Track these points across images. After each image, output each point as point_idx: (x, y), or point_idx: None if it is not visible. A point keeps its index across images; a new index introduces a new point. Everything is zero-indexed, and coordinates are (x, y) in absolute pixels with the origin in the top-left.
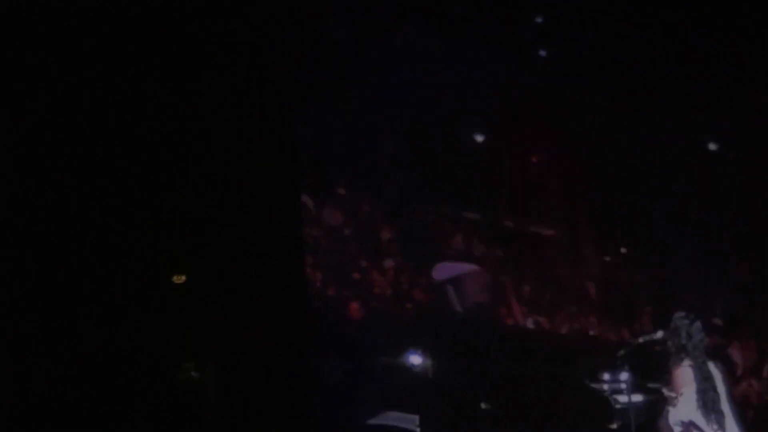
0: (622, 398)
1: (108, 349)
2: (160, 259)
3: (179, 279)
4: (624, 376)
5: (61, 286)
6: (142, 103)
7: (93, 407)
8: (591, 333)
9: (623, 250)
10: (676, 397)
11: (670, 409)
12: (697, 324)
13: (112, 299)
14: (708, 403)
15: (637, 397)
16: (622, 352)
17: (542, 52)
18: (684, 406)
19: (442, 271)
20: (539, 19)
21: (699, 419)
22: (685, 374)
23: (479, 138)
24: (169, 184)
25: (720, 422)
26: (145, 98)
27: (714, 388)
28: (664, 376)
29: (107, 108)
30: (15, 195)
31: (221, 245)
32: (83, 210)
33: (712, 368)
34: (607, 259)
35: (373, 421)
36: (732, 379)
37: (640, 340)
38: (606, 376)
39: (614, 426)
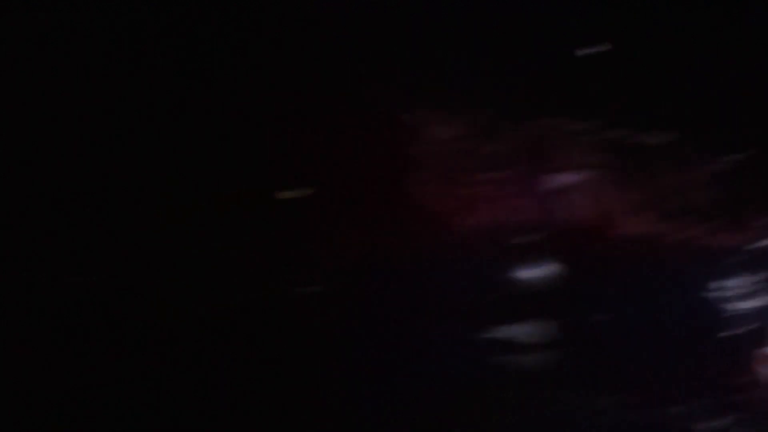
0: (744, 304)
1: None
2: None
3: (288, 194)
4: (744, 281)
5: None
6: None
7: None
8: (709, 239)
9: (736, 155)
10: None
11: None
12: None
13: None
14: None
15: (759, 302)
16: (742, 257)
17: None
18: None
19: (549, 182)
20: None
21: None
22: None
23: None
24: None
25: None
26: None
27: None
28: None
29: None
30: None
31: (332, 161)
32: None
33: None
34: (722, 163)
35: (490, 335)
36: None
37: (760, 243)
38: (728, 283)
39: (739, 332)
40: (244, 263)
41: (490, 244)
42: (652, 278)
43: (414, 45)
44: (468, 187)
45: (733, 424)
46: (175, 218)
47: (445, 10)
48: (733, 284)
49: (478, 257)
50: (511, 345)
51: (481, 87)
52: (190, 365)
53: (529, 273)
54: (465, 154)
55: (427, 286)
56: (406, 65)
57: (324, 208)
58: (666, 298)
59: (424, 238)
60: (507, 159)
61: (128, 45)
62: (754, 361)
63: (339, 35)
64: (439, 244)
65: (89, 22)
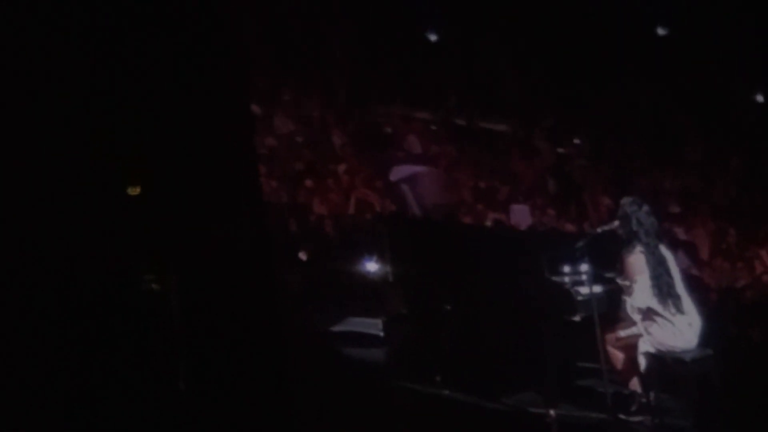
0: (584, 290)
1: (65, 265)
2: (114, 171)
3: (134, 191)
4: (584, 267)
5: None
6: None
7: (52, 323)
8: (549, 226)
9: (577, 140)
10: (630, 285)
11: (627, 297)
12: (646, 208)
13: (67, 211)
14: (663, 288)
15: (598, 288)
16: (581, 243)
17: None
18: (639, 293)
19: (397, 173)
20: None
21: (656, 305)
22: (638, 261)
23: (432, 37)
24: (118, 99)
25: (677, 306)
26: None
27: (668, 272)
28: (620, 264)
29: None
30: None
31: (174, 157)
32: (27, 124)
33: (665, 253)
34: (562, 150)
35: (336, 328)
36: (694, 262)
37: (599, 230)
38: (566, 269)
39: (577, 318)
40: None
41: (337, 235)
42: (498, 265)
43: (253, 36)
44: (313, 178)
45: (582, 406)
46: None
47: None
48: (578, 269)
49: (325, 249)
50: (356, 337)
51: (323, 78)
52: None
53: (375, 264)
54: (310, 145)
55: (275, 279)
56: (246, 58)
57: (168, 203)
58: (513, 284)
59: (271, 230)
60: (352, 149)
61: None
62: (603, 344)
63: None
64: (286, 235)
65: None
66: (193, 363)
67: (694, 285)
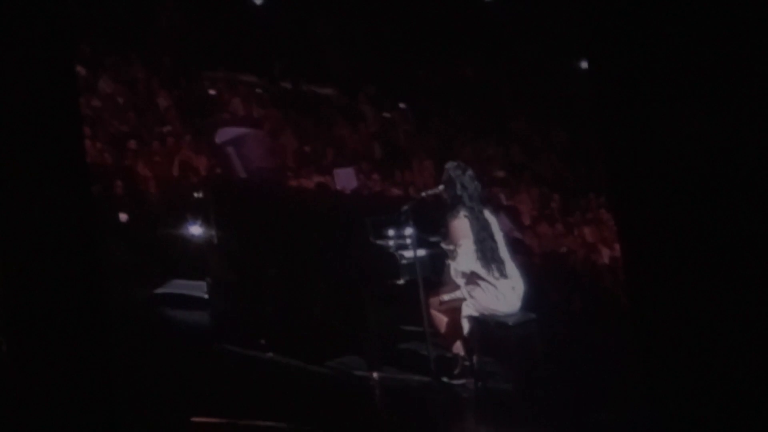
0: (408, 253)
1: None
2: None
3: None
4: (408, 231)
5: None
6: None
7: None
8: (374, 190)
9: (402, 105)
10: (455, 249)
11: (451, 261)
12: (470, 173)
13: None
14: (487, 252)
15: (422, 252)
16: (405, 207)
17: None
18: (463, 258)
19: (223, 135)
20: None
21: (479, 269)
22: (462, 225)
23: (258, 1)
24: None
25: (501, 270)
26: None
27: (492, 237)
28: (444, 228)
29: None
30: None
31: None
32: None
33: (489, 217)
34: (387, 115)
35: (160, 290)
36: (518, 227)
37: (423, 194)
38: (391, 233)
39: (401, 281)
40: None
41: (161, 198)
42: (323, 228)
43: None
44: (138, 140)
45: (405, 369)
46: None
47: None
48: (403, 233)
49: (150, 212)
50: (180, 299)
51: (147, 42)
52: None
53: (200, 227)
54: (132, 109)
55: (98, 242)
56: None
57: None
58: (337, 248)
59: (95, 193)
60: (177, 112)
61: None
62: (427, 308)
63: None
64: (107, 201)
65: None
66: (14, 326)
67: (518, 249)
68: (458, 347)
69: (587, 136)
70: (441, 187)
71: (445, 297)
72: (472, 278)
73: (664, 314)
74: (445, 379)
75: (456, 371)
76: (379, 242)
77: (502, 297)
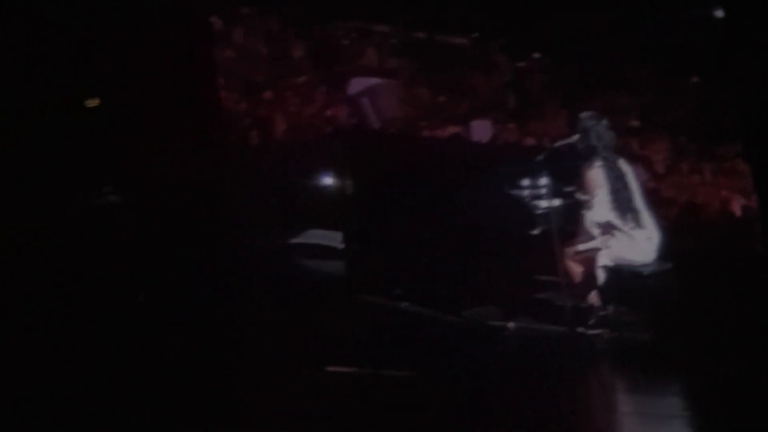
0: (543, 203)
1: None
2: (72, 85)
3: (93, 103)
4: (543, 181)
5: None
6: None
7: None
8: (509, 140)
9: (536, 54)
10: (590, 199)
11: (587, 211)
12: (604, 123)
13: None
14: (622, 202)
15: (557, 202)
16: (540, 157)
17: None
18: (599, 207)
19: (356, 85)
20: None
21: (614, 219)
22: (597, 175)
23: None
24: (76, 14)
25: (636, 220)
26: None
27: (626, 187)
28: (579, 179)
29: None
30: None
31: (134, 68)
32: None
33: (624, 167)
34: (521, 65)
35: (297, 240)
36: (653, 177)
37: (557, 144)
38: (526, 183)
39: (536, 231)
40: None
41: (296, 148)
42: (450, 180)
43: None
44: (273, 90)
45: (540, 319)
46: None
47: None
48: (531, 184)
49: (285, 161)
50: (317, 250)
51: None
52: None
53: (328, 179)
54: (267, 59)
55: (230, 194)
56: None
57: (123, 117)
58: (465, 200)
59: (225, 146)
60: (308, 63)
61: None
62: (554, 260)
63: None
64: (240, 151)
65: None
66: (150, 276)
67: (653, 199)
68: (593, 297)
69: (721, 84)
70: (576, 137)
71: (581, 247)
72: (607, 228)
73: None
74: (580, 330)
75: (591, 321)
76: (514, 192)
77: (637, 247)
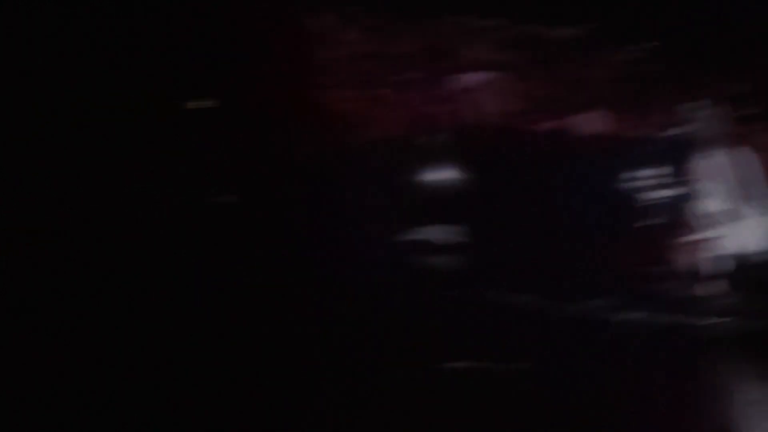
0: (659, 194)
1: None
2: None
3: (204, 104)
4: (659, 171)
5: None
6: None
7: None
8: (621, 131)
9: (648, 44)
10: (706, 188)
11: (703, 201)
12: (719, 112)
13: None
14: (739, 191)
15: (670, 192)
16: (656, 147)
17: None
18: (715, 196)
19: (468, 79)
20: None
21: (731, 208)
22: (712, 165)
23: None
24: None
25: (754, 208)
26: None
27: (743, 175)
28: (693, 168)
29: None
30: None
31: (243, 68)
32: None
33: (742, 155)
34: (630, 55)
35: (413, 236)
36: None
37: (672, 134)
38: (641, 173)
39: (652, 221)
40: (154, 174)
41: (399, 147)
42: (562, 173)
43: None
44: (375, 89)
45: (651, 313)
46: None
47: None
48: (644, 175)
49: (389, 160)
50: (426, 246)
51: None
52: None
53: (439, 174)
54: (370, 56)
55: (341, 192)
56: None
57: (233, 117)
58: (577, 193)
59: (335, 144)
60: (412, 59)
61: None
62: (669, 250)
63: None
64: (350, 148)
65: None
66: (270, 273)
67: None
68: (711, 286)
69: None
70: (691, 126)
71: (698, 236)
72: (724, 217)
73: None
74: (698, 319)
75: (709, 311)
76: (629, 183)
77: (756, 235)
